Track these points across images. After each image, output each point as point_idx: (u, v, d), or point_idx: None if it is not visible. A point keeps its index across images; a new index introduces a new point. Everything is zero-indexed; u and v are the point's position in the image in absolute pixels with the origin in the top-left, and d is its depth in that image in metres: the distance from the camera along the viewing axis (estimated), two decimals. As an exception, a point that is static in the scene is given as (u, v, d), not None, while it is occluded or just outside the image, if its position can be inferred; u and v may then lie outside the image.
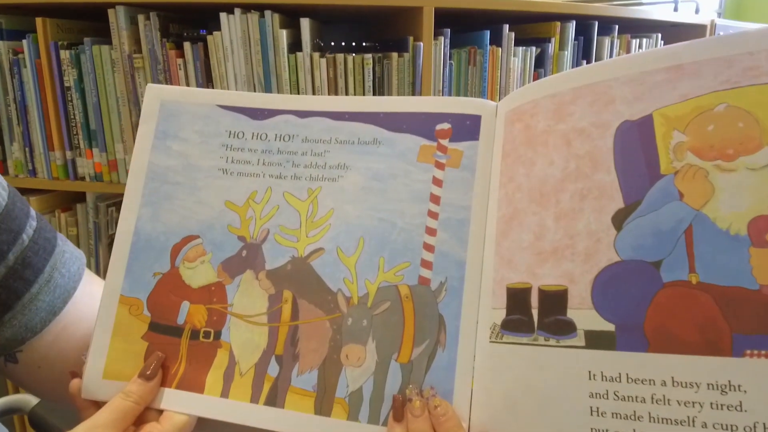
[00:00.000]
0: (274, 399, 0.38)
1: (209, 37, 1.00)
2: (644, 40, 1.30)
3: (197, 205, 0.41)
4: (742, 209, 0.29)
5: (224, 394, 0.39)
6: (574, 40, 1.18)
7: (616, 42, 1.25)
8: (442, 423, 0.35)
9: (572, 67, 1.20)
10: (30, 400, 0.72)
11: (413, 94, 1.07)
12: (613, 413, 0.31)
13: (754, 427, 0.28)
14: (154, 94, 0.43)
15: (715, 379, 0.29)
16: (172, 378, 0.39)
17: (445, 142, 0.40)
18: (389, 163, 0.40)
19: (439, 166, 0.40)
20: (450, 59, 1.10)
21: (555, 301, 0.33)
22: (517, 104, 0.38)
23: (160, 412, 0.39)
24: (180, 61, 1.02)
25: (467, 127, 0.40)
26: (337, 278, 0.39)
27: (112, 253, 0.41)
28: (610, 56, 1.25)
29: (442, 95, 1.10)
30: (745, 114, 0.30)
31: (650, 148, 0.32)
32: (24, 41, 1.02)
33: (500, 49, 1.11)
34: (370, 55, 1.03)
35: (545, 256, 0.34)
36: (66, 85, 1.05)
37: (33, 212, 0.43)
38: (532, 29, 1.21)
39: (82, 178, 1.11)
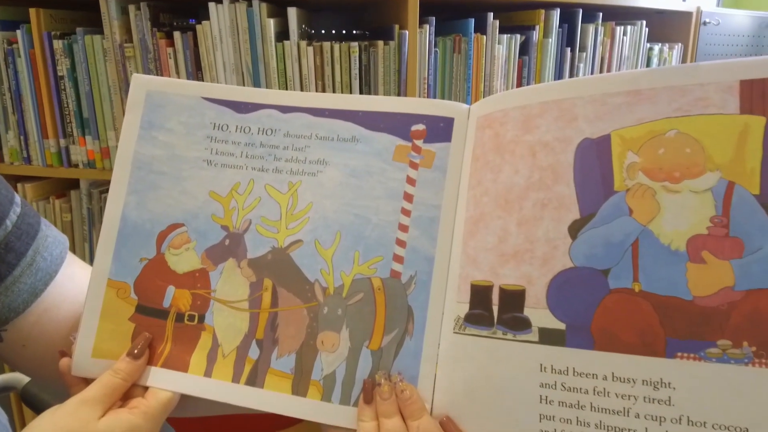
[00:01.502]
0: (254, 380, 0.41)
1: (198, 27, 1.01)
2: (629, 27, 1.32)
3: (182, 195, 0.43)
4: (682, 228, 0.32)
5: (207, 373, 0.41)
6: (559, 27, 1.19)
7: (600, 29, 1.26)
8: (407, 405, 0.38)
9: (556, 55, 1.21)
10: (22, 378, 0.74)
11: (399, 82, 1.08)
12: (560, 402, 0.35)
13: (680, 419, 0.32)
14: (139, 84, 0.44)
15: (649, 376, 0.33)
16: (158, 357, 0.42)
17: (419, 142, 0.42)
18: (366, 160, 0.42)
19: (413, 165, 0.42)
20: (435, 47, 1.11)
21: (513, 299, 0.37)
22: (489, 111, 0.40)
23: (146, 388, 0.41)
24: (170, 50, 1.03)
25: (441, 129, 0.42)
26: (314, 269, 0.42)
27: (99, 239, 0.43)
28: (594, 44, 1.26)
29: (428, 83, 1.11)
30: (693, 141, 0.32)
31: (606, 166, 0.34)
32: (18, 31, 1.04)
33: (485, 37, 1.12)
34: (356, 44, 1.04)
35: (507, 258, 0.37)
36: (59, 74, 1.07)
37: (18, 198, 0.44)
38: (516, 17, 1.22)
39: (76, 166, 1.13)
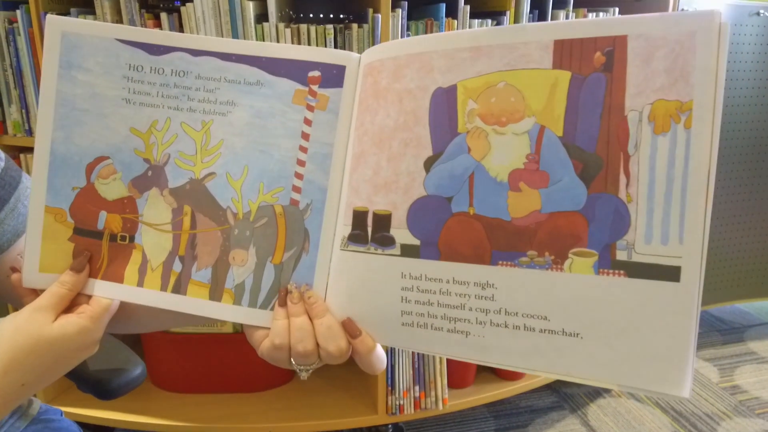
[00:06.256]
0: (179, 288, 0.49)
1: (182, 8, 1.07)
2: (601, 14, 1.32)
3: (105, 131, 0.49)
4: (506, 163, 0.40)
5: (139, 284, 0.50)
6: (530, 12, 1.20)
7: (572, 15, 1.27)
8: (313, 308, 0.47)
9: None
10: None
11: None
12: (415, 301, 0.44)
13: (500, 310, 0.42)
14: (54, 24, 0.48)
15: (479, 279, 0.42)
16: (97, 271, 0.50)
17: (315, 87, 0.48)
18: (269, 103, 0.49)
19: (310, 108, 0.48)
20: (408, 31, 1.14)
21: (382, 221, 0.45)
22: (372, 60, 0.46)
23: (90, 297, 0.49)
24: (157, 30, 1.08)
25: (334, 76, 0.48)
26: (226, 197, 0.49)
27: (32, 170, 0.49)
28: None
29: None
30: (516, 91, 0.39)
31: (453, 111, 0.42)
32: (18, 11, 1.12)
33: (456, 21, 1.14)
34: (331, 26, 1.09)
35: (379, 188, 0.45)
36: None
37: (2, 154, 0.51)
38: (488, 2, 1.23)
39: None
